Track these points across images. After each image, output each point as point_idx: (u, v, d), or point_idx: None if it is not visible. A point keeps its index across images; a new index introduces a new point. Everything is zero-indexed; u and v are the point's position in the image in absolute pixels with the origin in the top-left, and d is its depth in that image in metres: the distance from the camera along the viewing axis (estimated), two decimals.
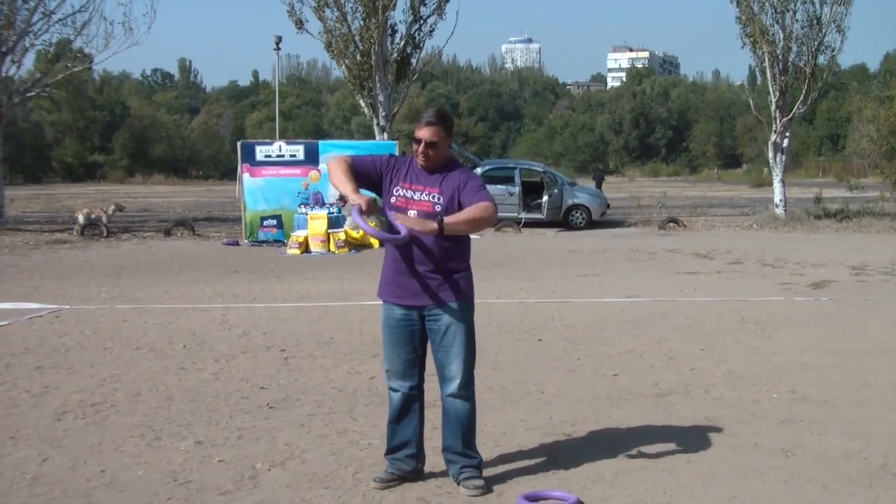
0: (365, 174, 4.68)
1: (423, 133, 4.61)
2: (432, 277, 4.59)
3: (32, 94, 25.34)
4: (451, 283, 4.63)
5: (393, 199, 4.67)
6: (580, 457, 5.27)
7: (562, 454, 5.33)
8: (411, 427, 4.79)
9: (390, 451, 4.83)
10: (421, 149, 4.62)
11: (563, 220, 24.36)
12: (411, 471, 4.81)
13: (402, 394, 4.75)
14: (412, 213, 4.57)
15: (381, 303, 4.82)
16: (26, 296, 11.84)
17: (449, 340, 4.64)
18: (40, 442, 5.58)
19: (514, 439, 5.62)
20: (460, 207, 4.57)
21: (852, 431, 5.77)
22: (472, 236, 4.78)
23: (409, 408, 4.78)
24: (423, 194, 4.62)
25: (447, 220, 4.45)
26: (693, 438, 5.62)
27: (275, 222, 20.01)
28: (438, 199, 4.60)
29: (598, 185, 37.40)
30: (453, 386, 4.67)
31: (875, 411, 6.28)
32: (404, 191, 4.65)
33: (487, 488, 4.67)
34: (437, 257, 4.59)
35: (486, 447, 5.43)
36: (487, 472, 4.98)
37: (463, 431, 4.72)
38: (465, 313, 4.69)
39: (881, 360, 7.88)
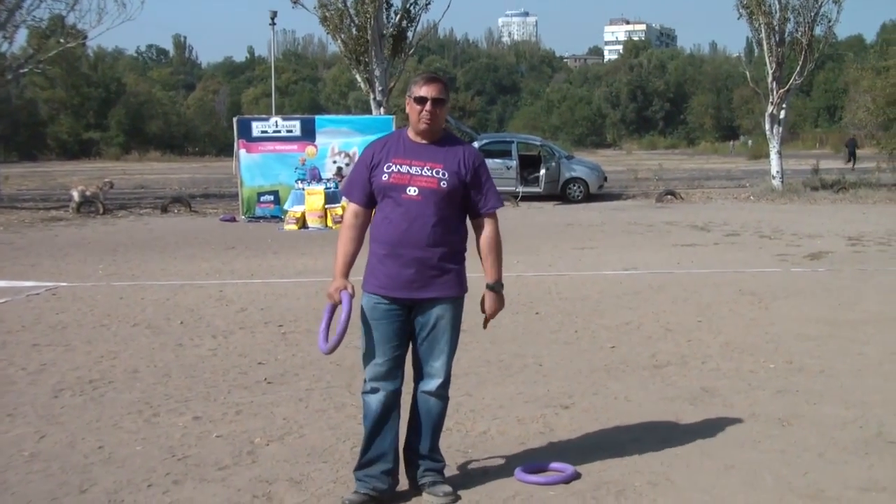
0: (371, 188, 4.24)
1: (430, 90, 4.14)
2: (432, 267, 4.15)
3: (25, 70, 25.25)
4: (450, 273, 4.20)
5: (386, 178, 4.16)
6: (578, 428, 5.29)
7: (559, 426, 5.35)
8: (390, 437, 4.27)
9: (362, 465, 4.27)
10: (428, 107, 4.13)
11: (560, 193, 24.32)
12: (387, 490, 4.25)
13: (384, 395, 4.23)
14: (412, 190, 4.12)
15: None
16: (22, 273, 11.82)
17: (437, 334, 4.22)
18: (38, 419, 5.59)
19: (512, 412, 5.63)
20: (466, 194, 4.22)
21: (848, 400, 5.79)
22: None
23: (390, 413, 4.26)
24: (425, 169, 4.15)
25: (496, 279, 4.27)
26: (690, 409, 5.65)
27: (272, 198, 19.98)
28: (443, 174, 4.15)
29: (852, 155, 37.05)
30: (433, 384, 4.26)
31: (871, 380, 6.30)
32: (399, 166, 4.16)
33: (455, 495, 4.27)
34: (437, 242, 4.14)
35: (484, 420, 5.46)
36: (486, 446, 5.01)
37: (433, 432, 4.33)
38: (459, 308, 4.29)
39: (877, 330, 7.90)
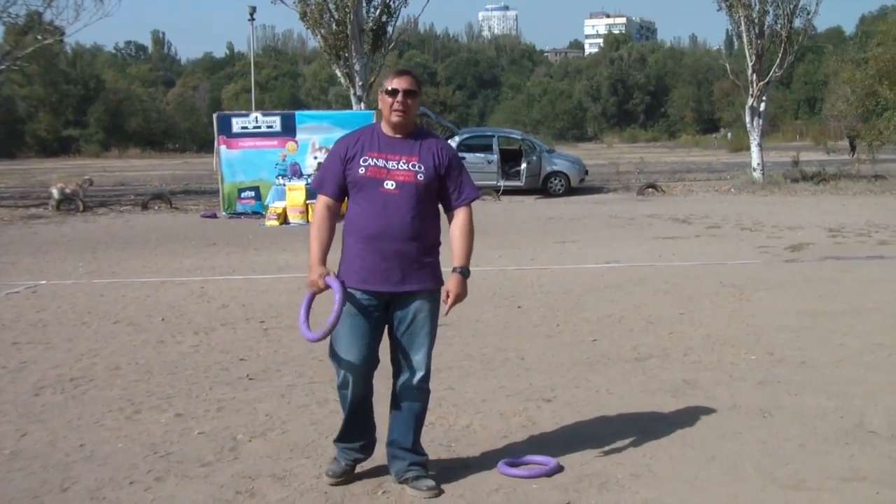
0: (344, 181, 4.26)
1: (401, 82, 4.21)
2: (411, 261, 4.18)
3: (2, 67, 24.96)
4: (427, 266, 4.24)
5: (362, 171, 4.18)
6: (560, 422, 5.30)
7: (542, 419, 5.36)
8: (368, 419, 4.45)
9: (342, 439, 4.45)
10: (399, 98, 4.18)
11: (541, 187, 24.35)
12: (364, 459, 4.51)
13: (359, 387, 4.29)
14: (390, 184, 4.15)
15: None
16: (2, 271, 11.72)
17: (416, 328, 4.24)
18: (18, 417, 5.54)
19: (495, 405, 5.64)
20: (442, 186, 4.27)
21: (829, 391, 5.83)
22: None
23: (365, 401, 4.38)
24: (401, 163, 4.19)
25: (462, 264, 4.24)
26: (672, 401, 5.67)
27: (253, 194, 19.90)
28: (419, 167, 4.20)
29: (853, 146, 37.32)
30: (416, 377, 4.28)
31: (851, 371, 6.35)
32: (375, 160, 4.19)
33: (439, 489, 4.30)
34: (415, 235, 4.18)
35: (467, 414, 5.46)
36: (469, 440, 5.01)
37: (415, 426, 4.37)
38: (436, 301, 4.31)
39: (857, 321, 7.95)
